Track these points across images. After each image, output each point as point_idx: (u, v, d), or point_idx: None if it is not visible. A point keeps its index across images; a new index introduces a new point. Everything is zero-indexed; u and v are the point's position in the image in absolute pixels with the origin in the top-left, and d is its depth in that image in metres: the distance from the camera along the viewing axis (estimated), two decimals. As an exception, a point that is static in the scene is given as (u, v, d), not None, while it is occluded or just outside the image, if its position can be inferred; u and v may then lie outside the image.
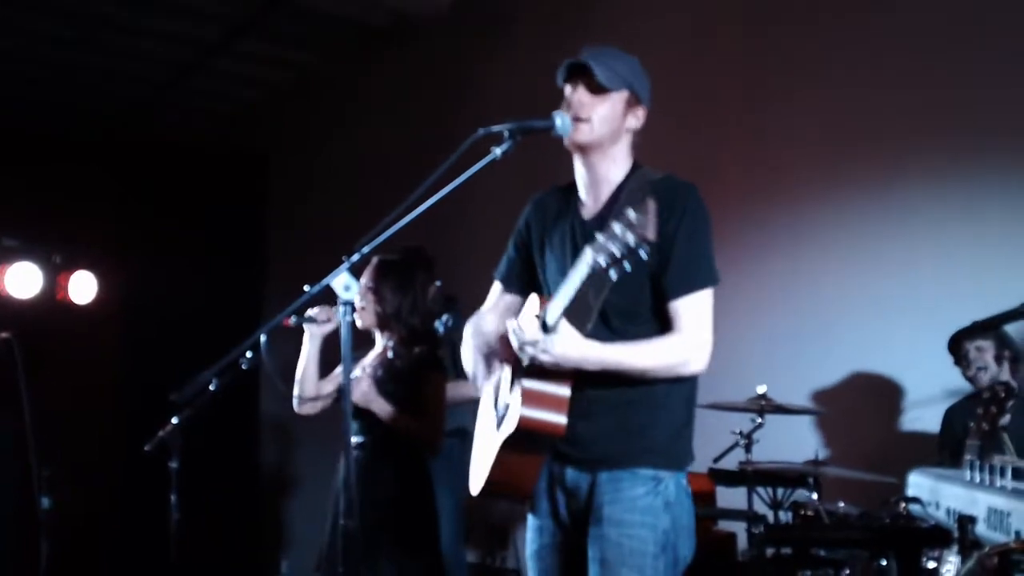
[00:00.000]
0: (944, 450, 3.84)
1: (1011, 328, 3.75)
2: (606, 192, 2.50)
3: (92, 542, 6.64)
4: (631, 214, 2.04)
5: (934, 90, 4.20)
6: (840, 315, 4.44)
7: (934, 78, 4.20)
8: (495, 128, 2.37)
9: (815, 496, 3.91)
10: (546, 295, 2.46)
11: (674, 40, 5.03)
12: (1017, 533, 1.82)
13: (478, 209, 5.33)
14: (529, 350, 2.25)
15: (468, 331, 2.68)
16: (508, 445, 2.38)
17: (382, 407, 3.47)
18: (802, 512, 3.78)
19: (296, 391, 3.66)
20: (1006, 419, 3.19)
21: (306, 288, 2.56)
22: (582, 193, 2.54)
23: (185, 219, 7.32)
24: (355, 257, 2.39)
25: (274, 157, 8.29)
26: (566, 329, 2.24)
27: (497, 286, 2.73)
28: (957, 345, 3.90)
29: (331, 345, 3.59)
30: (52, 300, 5.98)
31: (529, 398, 2.31)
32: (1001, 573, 1.68)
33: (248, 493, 7.84)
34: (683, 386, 2.44)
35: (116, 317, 6.94)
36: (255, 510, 7.88)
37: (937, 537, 2.30)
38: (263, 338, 2.70)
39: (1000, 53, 4.01)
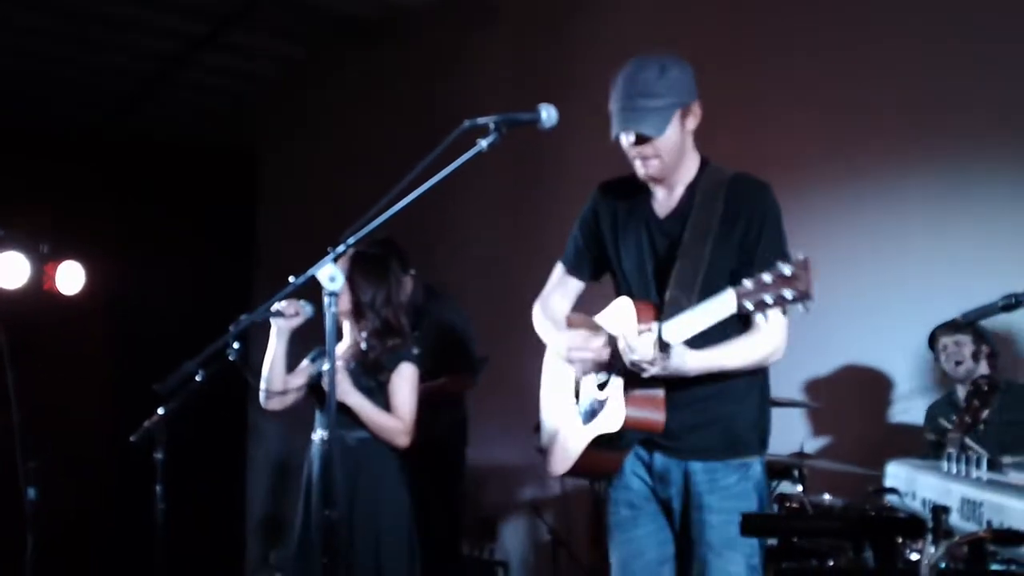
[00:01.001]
0: (930, 446, 3.86)
1: (990, 323, 3.77)
2: (679, 190, 2.61)
3: (79, 533, 6.65)
4: (785, 269, 2.11)
5: (928, 87, 4.21)
6: (827, 308, 4.36)
7: (929, 75, 4.21)
8: (481, 120, 2.39)
9: (800, 488, 3.94)
10: (628, 292, 2.62)
11: (662, 26, 5.03)
12: (988, 523, 1.85)
13: (463, 199, 5.34)
14: (647, 367, 2.36)
15: (538, 313, 2.83)
16: (601, 440, 2.56)
17: (357, 401, 3.49)
18: (787, 504, 3.81)
19: (263, 385, 3.65)
20: (986, 413, 3.21)
21: (291, 279, 2.58)
22: (655, 192, 2.64)
23: (173, 210, 7.33)
24: (340, 248, 2.40)
25: (262, 149, 8.29)
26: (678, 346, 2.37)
27: (560, 268, 2.86)
28: (935, 340, 3.93)
29: (297, 338, 3.63)
30: (39, 290, 5.97)
31: (633, 400, 2.49)
32: (972, 562, 1.70)
33: (236, 484, 7.86)
34: (758, 377, 2.63)
35: (104, 308, 6.95)
36: (242, 501, 7.90)
37: (912, 527, 2.33)
38: (233, 332, 2.71)
39: (995, 47, 4.03)
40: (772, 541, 2.99)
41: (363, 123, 7.23)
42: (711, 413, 2.56)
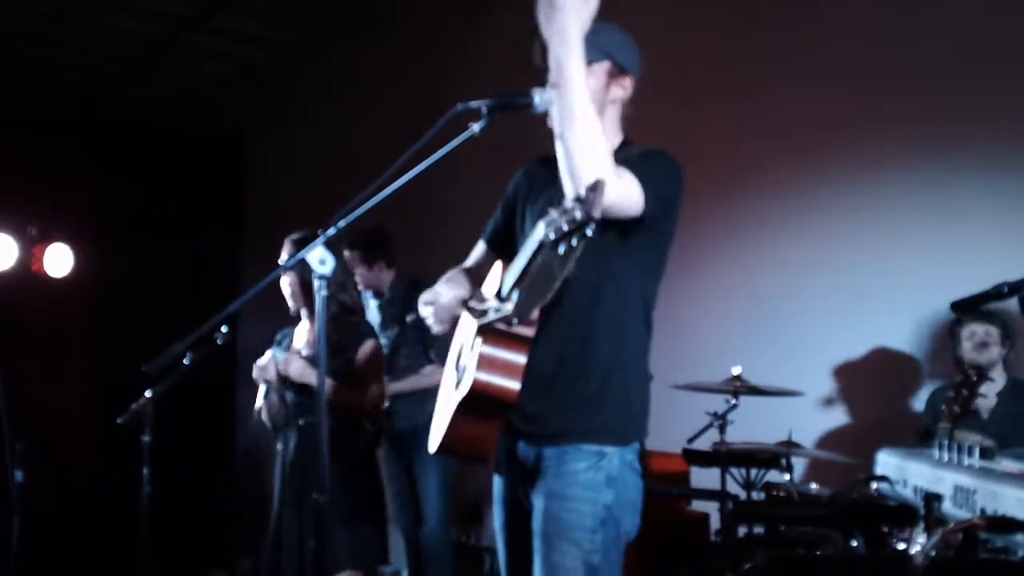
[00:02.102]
0: (927, 434, 3.83)
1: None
2: None
3: (66, 515, 6.62)
4: (581, 190, 2.04)
5: (910, 74, 4.21)
6: (815, 296, 4.45)
7: (910, 63, 4.20)
8: (473, 104, 2.34)
9: (788, 477, 3.94)
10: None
11: (657, 15, 5.01)
12: (982, 510, 1.84)
13: (457, 184, 5.33)
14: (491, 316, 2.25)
15: (442, 280, 2.63)
16: (464, 408, 2.35)
17: (317, 379, 3.54)
18: (774, 493, 3.81)
19: (256, 412, 3.87)
20: (980, 402, 3.21)
21: (280, 264, 2.55)
22: None
23: (162, 193, 7.28)
24: (331, 231, 2.37)
25: (252, 133, 8.25)
26: None
27: (481, 245, 2.73)
28: (960, 325, 3.80)
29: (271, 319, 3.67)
30: (27, 272, 5.93)
31: (484, 362, 2.29)
32: (965, 549, 1.70)
33: (222, 467, 7.85)
34: (633, 359, 2.41)
35: (92, 290, 6.91)
36: (229, 484, 7.89)
37: (903, 515, 2.33)
38: (221, 317, 2.69)
39: (982, 41, 4.03)
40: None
41: (353, 108, 7.19)
42: (574, 397, 2.37)
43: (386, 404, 4.52)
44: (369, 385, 3.65)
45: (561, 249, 2.06)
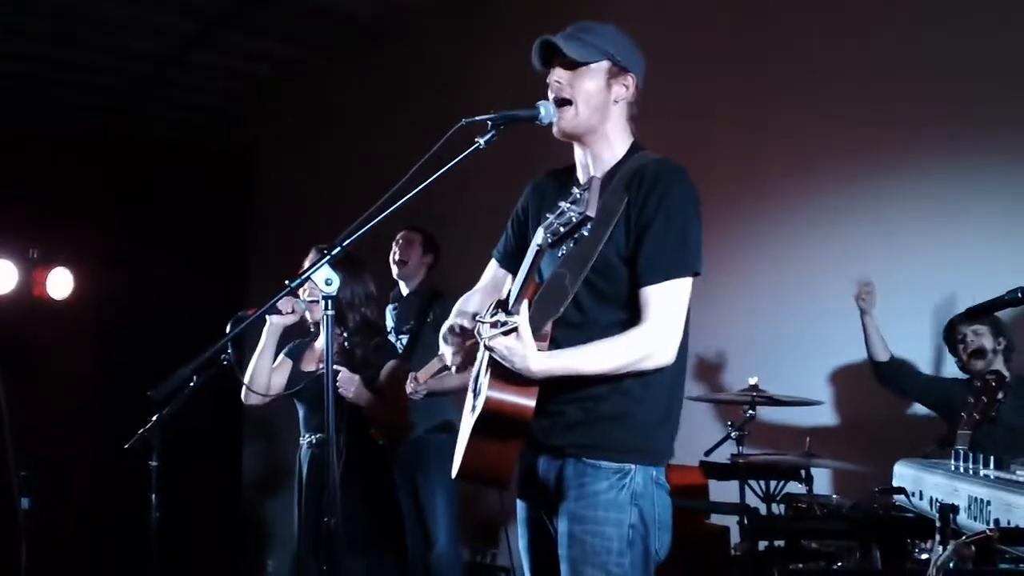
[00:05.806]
0: (945, 441, 3.61)
1: (1007, 319, 3.73)
2: (599, 174, 2.39)
3: (73, 542, 6.59)
4: (575, 191, 2.05)
5: (927, 80, 4.20)
6: (831, 305, 4.40)
7: (928, 68, 4.20)
8: (479, 118, 2.34)
9: (807, 488, 3.90)
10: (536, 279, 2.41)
11: (664, 29, 5.00)
12: (996, 521, 1.82)
13: (471, 199, 5.32)
14: (487, 332, 2.18)
15: (454, 309, 2.59)
16: (480, 429, 2.29)
17: (368, 399, 3.50)
18: (794, 504, 3.77)
19: (247, 380, 3.64)
20: (995, 410, 3.16)
21: (287, 283, 2.53)
22: (579, 175, 2.48)
23: (165, 213, 7.27)
24: (336, 251, 2.35)
25: (256, 151, 8.26)
26: (524, 340, 2.16)
27: (492, 264, 2.67)
28: (953, 331, 3.86)
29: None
30: (28, 296, 5.89)
31: (497, 380, 2.23)
32: (979, 561, 1.66)
33: (230, 491, 7.81)
34: (662, 379, 2.31)
35: (94, 313, 6.88)
36: (238, 508, 7.85)
37: (920, 527, 2.29)
38: (228, 338, 2.66)
39: (991, 43, 4.01)
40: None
41: (359, 123, 7.20)
42: (592, 412, 2.29)
43: None
44: (392, 401, 3.63)
45: (558, 252, 2.05)
